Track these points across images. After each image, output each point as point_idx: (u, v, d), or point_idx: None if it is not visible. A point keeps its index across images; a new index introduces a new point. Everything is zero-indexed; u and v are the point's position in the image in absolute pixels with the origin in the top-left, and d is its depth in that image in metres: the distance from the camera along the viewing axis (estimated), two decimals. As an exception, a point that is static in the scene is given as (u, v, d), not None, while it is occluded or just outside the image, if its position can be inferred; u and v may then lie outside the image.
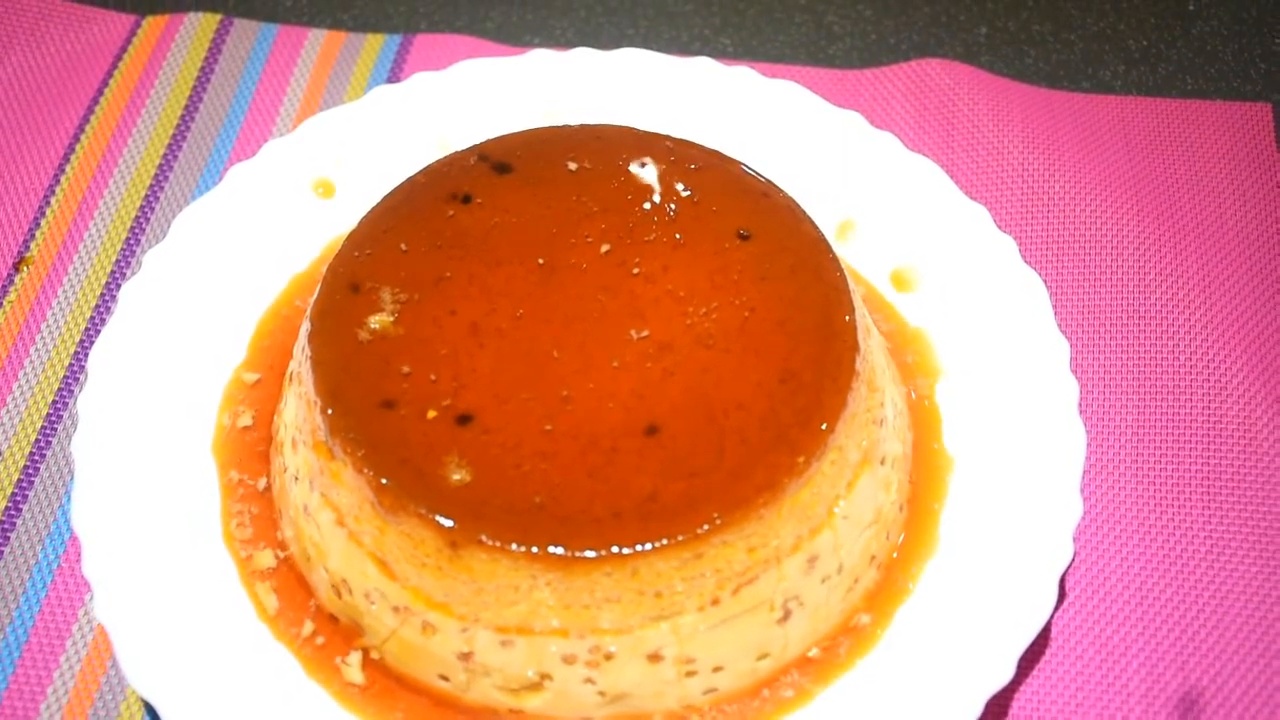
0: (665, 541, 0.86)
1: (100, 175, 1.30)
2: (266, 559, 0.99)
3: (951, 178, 1.25)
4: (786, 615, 0.93)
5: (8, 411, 1.14)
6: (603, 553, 0.86)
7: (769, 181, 1.06)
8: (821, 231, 1.02)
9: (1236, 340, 1.17)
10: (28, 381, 1.16)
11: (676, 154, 1.06)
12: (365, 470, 0.89)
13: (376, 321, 0.96)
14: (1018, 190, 1.28)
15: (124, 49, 1.40)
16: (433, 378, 0.93)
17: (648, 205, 1.02)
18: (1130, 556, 1.06)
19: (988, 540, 0.98)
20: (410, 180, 1.06)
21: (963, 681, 0.91)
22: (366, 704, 0.93)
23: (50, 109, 1.35)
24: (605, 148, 1.07)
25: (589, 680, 0.91)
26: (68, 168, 1.31)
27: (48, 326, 1.19)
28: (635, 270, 0.98)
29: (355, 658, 0.95)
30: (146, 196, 1.29)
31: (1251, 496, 1.09)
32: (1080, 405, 1.05)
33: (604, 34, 1.47)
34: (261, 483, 1.03)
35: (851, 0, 1.50)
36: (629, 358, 0.93)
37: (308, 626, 0.96)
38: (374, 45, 1.40)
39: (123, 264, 1.24)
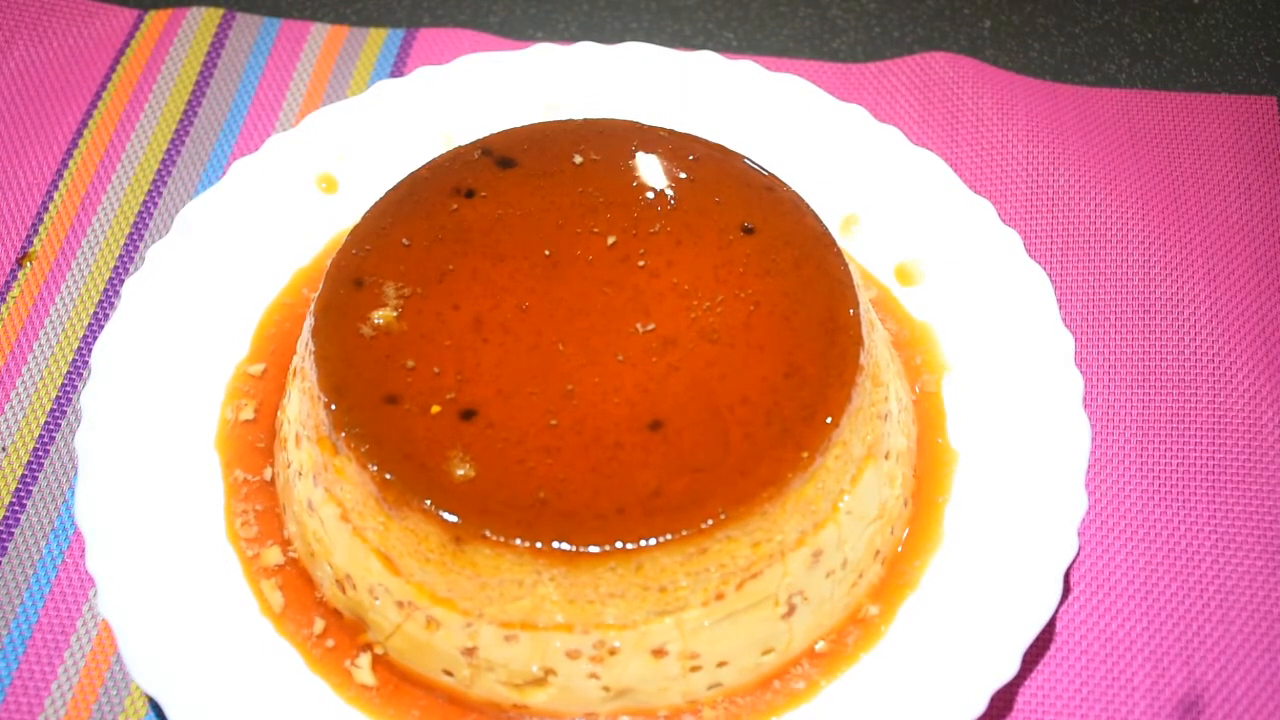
0: (669, 536, 0.86)
1: (103, 170, 1.30)
2: (273, 555, 0.99)
3: (956, 172, 1.25)
4: (791, 610, 0.93)
5: (11, 407, 1.14)
6: (607, 548, 0.86)
7: (773, 175, 1.06)
8: (825, 226, 1.02)
9: (1242, 334, 1.17)
10: (31, 377, 1.16)
11: (680, 148, 1.06)
12: (369, 465, 0.89)
13: (380, 316, 0.96)
14: (1022, 184, 1.28)
15: (127, 44, 1.40)
16: (436, 372, 0.92)
17: (651, 198, 1.02)
18: (1135, 551, 1.06)
19: (992, 535, 0.98)
20: (413, 175, 1.06)
21: (968, 676, 0.90)
22: (384, 705, 0.93)
23: (53, 104, 1.35)
24: (609, 142, 1.06)
25: (593, 675, 0.91)
26: (70, 163, 1.30)
27: (51, 322, 1.19)
28: (640, 264, 0.98)
29: (365, 659, 0.95)
30: (149, 191, 1.29)
31: (1257, 491, 1.08)
32: (1085, 399, 1.04)
33: (607, 28, 1.47)
34: (267, 473, 1.03)
35: (855, -6, 1.50)
36: (633, 352, 0.93)
37: (318, 624, 0.96)
38: (377, 39, 1.40)
39: (126, 259, 1.24)
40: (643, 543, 0.86)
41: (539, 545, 0.86)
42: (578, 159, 1.05)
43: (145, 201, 1.28)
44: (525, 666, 0.91)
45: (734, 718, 0.93)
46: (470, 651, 0.91)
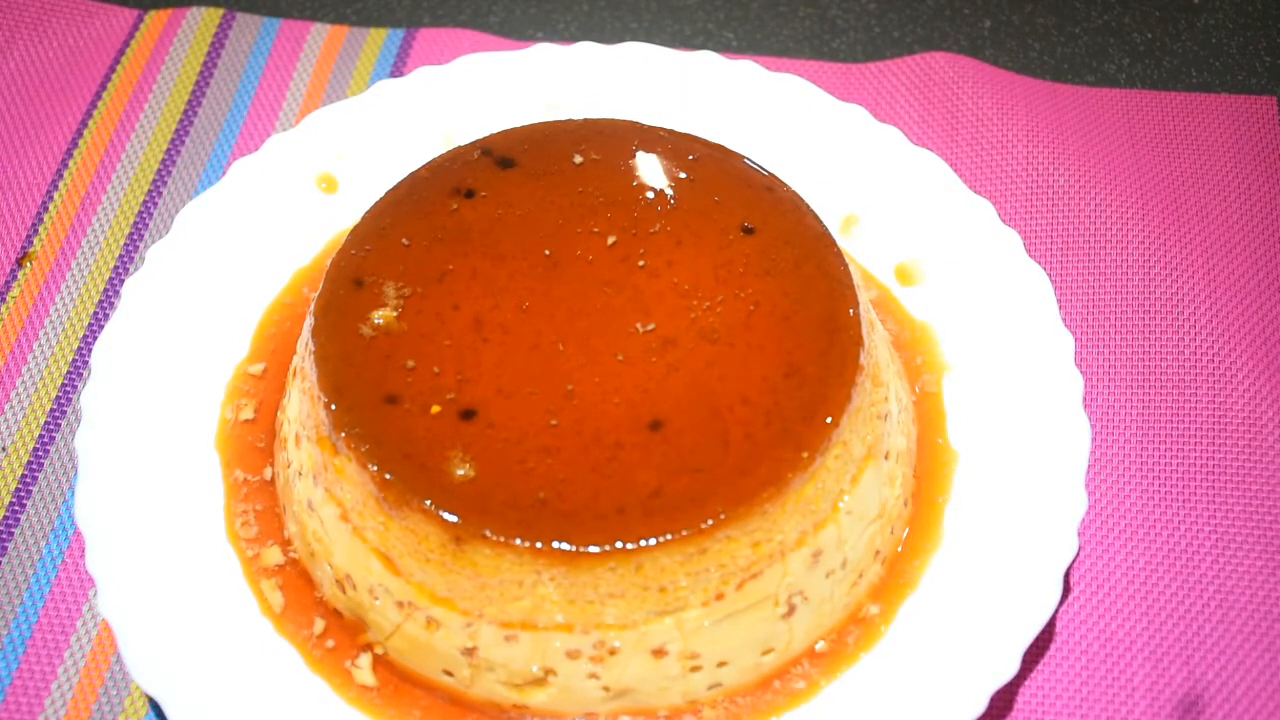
0: (669, 536, 0.86)
1: (103, 170, 1.30)
2: (273, 555, 0.99)
3: (956, 172, 1.25)
4: (791, 610, 0.93)
5: (11, 407, 1.14)
6: (607, 548, 0.86)
7: (773, 175, 1.06)
8: (825, 226, 1.02)
9: (1241, 334, 1.17)
10: (31, 377, 1.16)
11: (680, 148, 1.06)
12: (369, 465, 0.89)
13: (380, 316, 0.96)
14: (1022, 184, 1.28)
15: (127, 44, 1.40)
16: (436, 372, 0.92)
17: (651, 198, 1.02)
18: (1135, 551, 1.06)
19: (992, 535, 0.98)
20: (413, 175, 1.06)
21: (968, 676, 0.90)
22: (384, 705, 0.93)
23: (53, 104, 1.35)
24: (609, 142, 1.06)
25: (593, 675, 0.91)
26: (70, 163, 1.30)
27: (51, 322, 1.19)
28: (640, 264, 0.98)
29: (365, 659, 0.95)
30: (149, 191, 1.29)
31: (1256, 490, 1.08)
32: (1085, 399, 1.04)
33: (607, 28, 1.47)
34: (267, 473, 1.03)
35: (855, -6, 1.50)
36: (633, 352, 0.93)
37: (318, 625, 0.96)
38: (377, 39, 1.40)
39: (126, 259, 1.24)
40: (643, 543, 0.86)
41: (539, 545, 0.86)
42: (578, 159, 1.05)
43: (145, 201, 1.28)
44: (525, 666, 0.91)
45: (734, 718, 0.93)
46: (470, 651, 0.91)
